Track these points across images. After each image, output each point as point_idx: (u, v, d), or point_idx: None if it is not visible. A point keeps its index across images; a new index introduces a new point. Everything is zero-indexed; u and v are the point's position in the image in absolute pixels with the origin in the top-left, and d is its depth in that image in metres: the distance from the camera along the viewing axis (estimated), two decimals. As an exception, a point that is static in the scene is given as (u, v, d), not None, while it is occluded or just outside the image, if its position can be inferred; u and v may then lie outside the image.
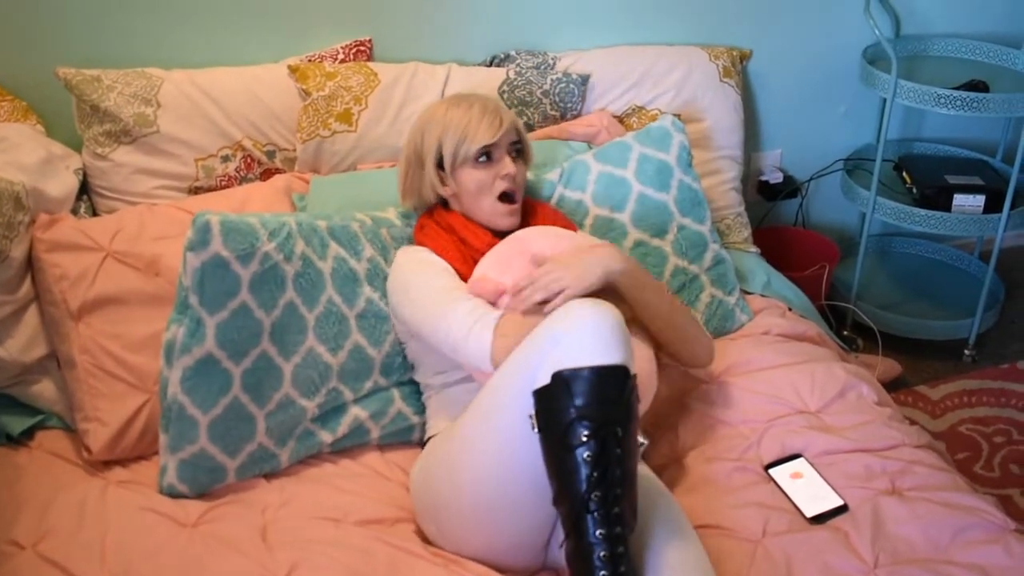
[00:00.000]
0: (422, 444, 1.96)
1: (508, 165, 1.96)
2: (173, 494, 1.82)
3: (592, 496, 1.45)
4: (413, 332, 1.92)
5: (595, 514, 1.45)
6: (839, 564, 1.67)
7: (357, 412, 1.98)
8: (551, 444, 1.49)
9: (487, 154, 1.96)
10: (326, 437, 1.95)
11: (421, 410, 2.04)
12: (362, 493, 1.88)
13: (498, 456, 1.61)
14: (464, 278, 1.90)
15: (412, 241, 2.09)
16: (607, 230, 2.23)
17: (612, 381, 1.49)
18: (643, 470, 1.79)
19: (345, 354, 1.96)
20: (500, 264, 1.86)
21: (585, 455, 1.46)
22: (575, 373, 1.47)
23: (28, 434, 1.98)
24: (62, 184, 2.14)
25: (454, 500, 1.69)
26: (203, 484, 1.84)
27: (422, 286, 1.88)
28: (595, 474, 1.45)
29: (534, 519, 1.65)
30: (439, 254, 1.95)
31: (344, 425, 1.96)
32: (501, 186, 1.96)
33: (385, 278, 2.03)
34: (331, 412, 1.96)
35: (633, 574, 1.47)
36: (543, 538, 1.71)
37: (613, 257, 1.78)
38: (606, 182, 2.26)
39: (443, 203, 2.05)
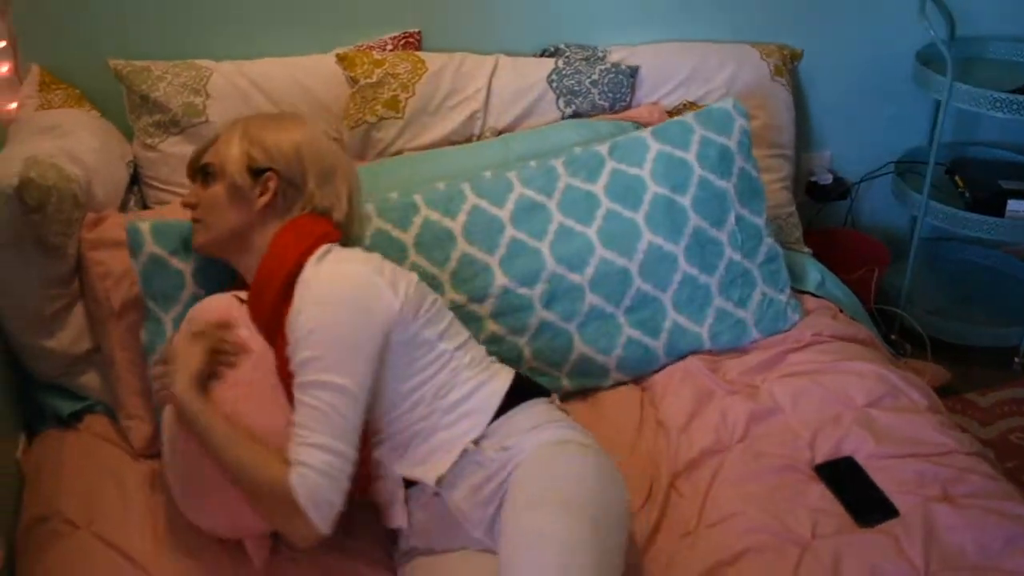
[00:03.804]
0: None
1: (187, 194, 1.83)
2: None
3: None
4: None
5: None
6: (889, 568, 1.64)
7: None
8: None
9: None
10: None
11: None
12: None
13: None
14: None
15: None
16: (669, 211, 2.17)
17: None
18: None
19: None
20: None
21: None
22: None
23: (77, 417, 2.01)
24: (114, 176, 2.16)
25: None
26: None
27: None
28: None
29: None
30: None
31: None
32: None
33: None
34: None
35: None
36: None
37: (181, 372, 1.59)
38: (666, 162, 2.20)
39: None
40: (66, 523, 1.74)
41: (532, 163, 2.21)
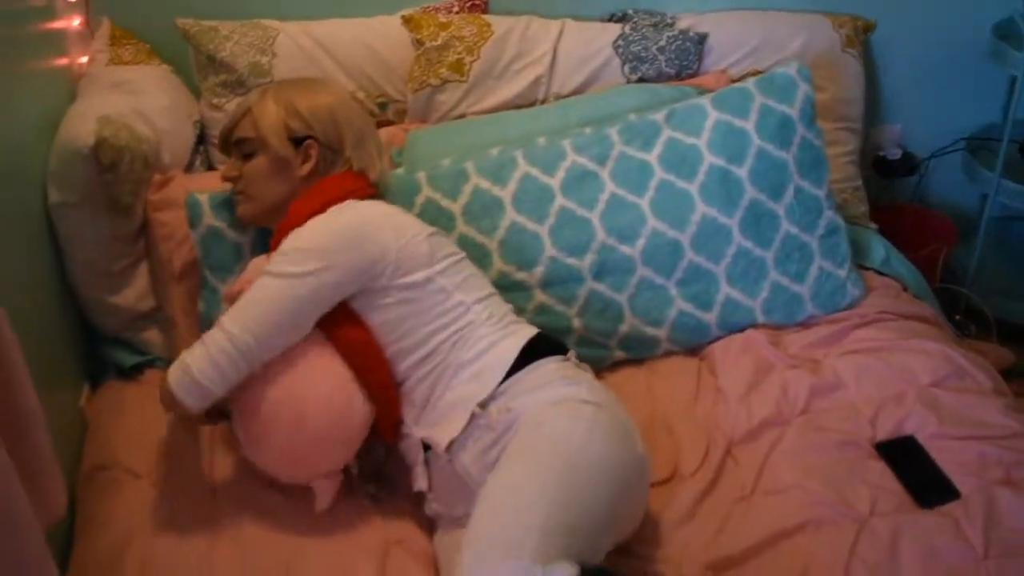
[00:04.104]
0: None
1: (226, 165, 1.86)
2: None
3: None
4: None
5: None
6: (947, 549, 1.62)
7: None
8: None
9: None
10: None
11: None
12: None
13: None
14: None
15: None
16: (724, 182, 2.12)
17: None
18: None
19: None
20: None
21: None
22: None
23: (139, 369, 2.05)
24: (182, 136, 2.19)
25: None
26: None
27: None
28: None
29: None
30: None
31: None
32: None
33: None
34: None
35: None
36: None
37: None
38: (723, 131, 2.15)
39: None
40: (126, 472, 1.78)
41: (587, 130, 2.18)
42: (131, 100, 2.05)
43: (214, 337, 1.58)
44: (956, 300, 2.94)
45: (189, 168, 2.22)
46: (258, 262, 1.75)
